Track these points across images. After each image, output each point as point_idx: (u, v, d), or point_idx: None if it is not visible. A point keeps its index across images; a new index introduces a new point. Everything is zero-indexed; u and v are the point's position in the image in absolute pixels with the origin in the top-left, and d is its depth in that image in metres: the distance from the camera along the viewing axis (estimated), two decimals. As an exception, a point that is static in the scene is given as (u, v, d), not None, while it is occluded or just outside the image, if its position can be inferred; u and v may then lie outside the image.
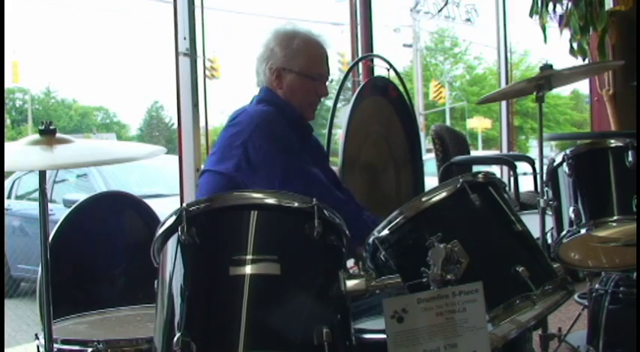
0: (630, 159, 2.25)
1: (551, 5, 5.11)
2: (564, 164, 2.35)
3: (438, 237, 1.44)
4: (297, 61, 2.18)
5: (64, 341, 1.64)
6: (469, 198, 1.60)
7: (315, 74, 2.20)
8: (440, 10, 17.88)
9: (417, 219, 1.58)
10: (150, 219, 2.38)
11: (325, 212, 1.41)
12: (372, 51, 4.94)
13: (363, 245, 1.62)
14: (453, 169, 4.07)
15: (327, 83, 2.26)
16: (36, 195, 1.79)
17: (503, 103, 7.36)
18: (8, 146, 1.60)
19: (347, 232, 1.48)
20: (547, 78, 2.40)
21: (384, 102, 3.74)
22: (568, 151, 2.36)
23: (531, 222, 2.06)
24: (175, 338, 1.27)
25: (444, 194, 1.61)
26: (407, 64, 23.58)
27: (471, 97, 25.55)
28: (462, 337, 1.35)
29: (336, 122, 3.55)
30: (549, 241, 2.46)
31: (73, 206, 2.33)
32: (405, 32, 21.41)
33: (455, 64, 28.59)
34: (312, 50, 2.20)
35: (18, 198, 7.33)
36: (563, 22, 5.12)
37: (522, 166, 4.82)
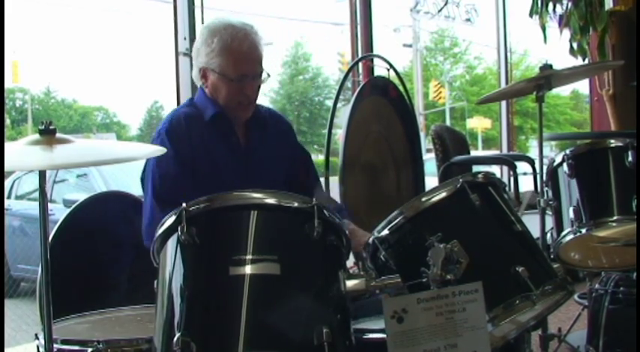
0: (630, 159, 2.26)
1: (551, 5, 5.11)
2: (564, 164, 2.35)
3: (438, 237, 1.44)
4: (217, 61, 2.12)
5: (64, 341, 1.64)
6: (469, 198, 1.60)
7: (235, 76, 2.10)
8: (440, 10, 17.86)
9: (417, 219, 1.58)
10: (150, 219, 2.38)
11: (325, 212, 1.41)
12: (372, 51, 4.95)
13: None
14: (453, 169, 4.06)
15: (257, 80, 2.15)
16: (36, 195, 1.79)
17: (503, 103, 7.37)
18: (8, 146, 1.59)
19: (347, 232, 1.48)
20: (547, 78, 2.41)
21: (384, 102, 3.74)
22: (568, 151, 2.36)
23: (531, 222, 2.06)
24: (175, 338, 1.27)
25: (443, 194, 1.61)
26: (407, 64, 23.61)
27: (471, 97, 25.54)
28: (462, 337, 1.35)
29: (336, 122, 3.55)
30: (549, 241, 2.46)
31: (73, 206, 2.33)
32: (405, 32, 21.44)
33: (455, 64, 28.59)
34: (230, 50, 2.09)
35: (18, 198, 7.33)
36: (563, 22, 5.12)
37: (522, 166, 4.82)
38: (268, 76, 2.18)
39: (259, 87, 2.19)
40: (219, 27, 2.12)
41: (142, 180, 2.14)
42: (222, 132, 2.18)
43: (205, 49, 2.13)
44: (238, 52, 2.09)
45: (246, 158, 2.19)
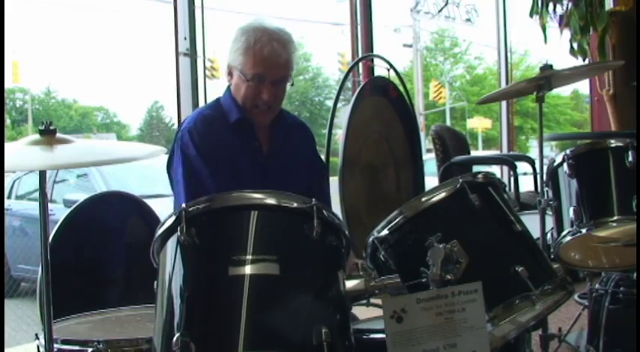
0: (630, 159, 2.25)
1: (551, 5, 5.12)
2: (564, 164, 2.35)
3: (438, 237, 1.44)
4: (239, 59, 2.14)
5: (64, 341, 1.64)
6: (469, 198, 1.60)
7: (250, 76, 2.11)
8: (440, 10, 17.89)
9: (417, 219, 1.58)
10: (150, 219, 2.38)
11: (324, 212, 1.42)
12: (372, 51, 4.95)
13: None
14: (453, 169, 4.07)
15: (278, 86, 2.15)
16: (36, 195, 1.80)
17: (504, 103, 7.38)
18: (8, 146, 1.60)
19: (346, 232, 1.48)
20: (547, 78, 2.41)
21: (384, 102, 3.74)
22: (568, 151, 2.36)
23: (531, 222, 2.06)
24: (175, 339, 1.27)
25: (443, 194, 1.61)
26: (407, 64, 23.62)
27: (471, 97, 25.54)
28: (462, 337, 1.35)
29: (336, 122, 3.55)
30: (549, 241, 2.46)
31: (73, 206, 2.33)
32: (405, 32, 21.44)
33: (455, 64, 28.60)
34: (251, 50, 2.11)
35: (18, 198, 7.33)
36: (564, 22, 5.12)
37: (522, 166, 4.83)
38: (292, 84, 2.20)
39: (281, 93, 2.19)
40: (250, 28, 2.16)
41: (169, 172, 2.20)
42: (245, 137, 2.20)
43: (234, 46, 2.17)
44: (258, 54, 2.11)
45: (266, 163, 2.21)
